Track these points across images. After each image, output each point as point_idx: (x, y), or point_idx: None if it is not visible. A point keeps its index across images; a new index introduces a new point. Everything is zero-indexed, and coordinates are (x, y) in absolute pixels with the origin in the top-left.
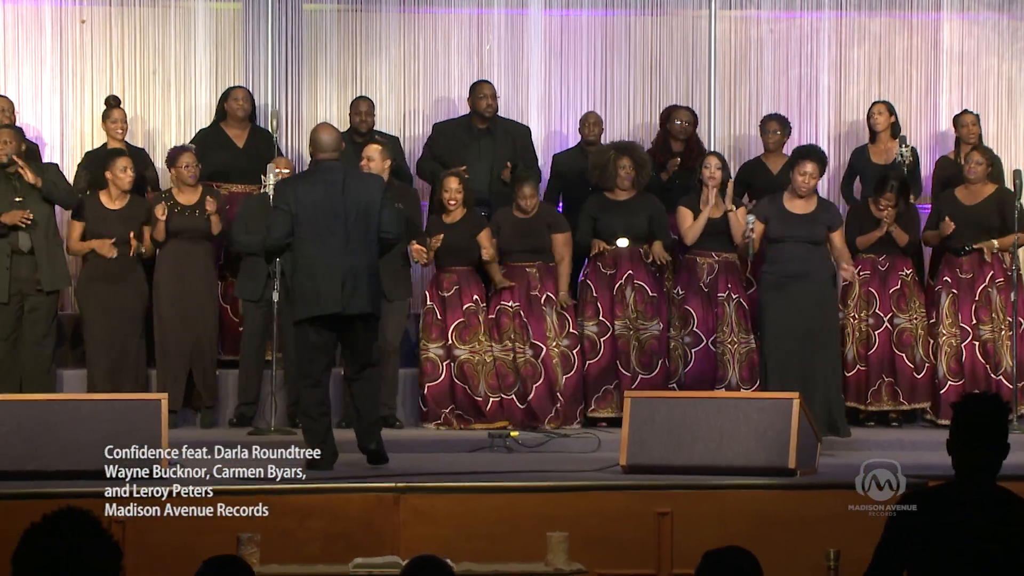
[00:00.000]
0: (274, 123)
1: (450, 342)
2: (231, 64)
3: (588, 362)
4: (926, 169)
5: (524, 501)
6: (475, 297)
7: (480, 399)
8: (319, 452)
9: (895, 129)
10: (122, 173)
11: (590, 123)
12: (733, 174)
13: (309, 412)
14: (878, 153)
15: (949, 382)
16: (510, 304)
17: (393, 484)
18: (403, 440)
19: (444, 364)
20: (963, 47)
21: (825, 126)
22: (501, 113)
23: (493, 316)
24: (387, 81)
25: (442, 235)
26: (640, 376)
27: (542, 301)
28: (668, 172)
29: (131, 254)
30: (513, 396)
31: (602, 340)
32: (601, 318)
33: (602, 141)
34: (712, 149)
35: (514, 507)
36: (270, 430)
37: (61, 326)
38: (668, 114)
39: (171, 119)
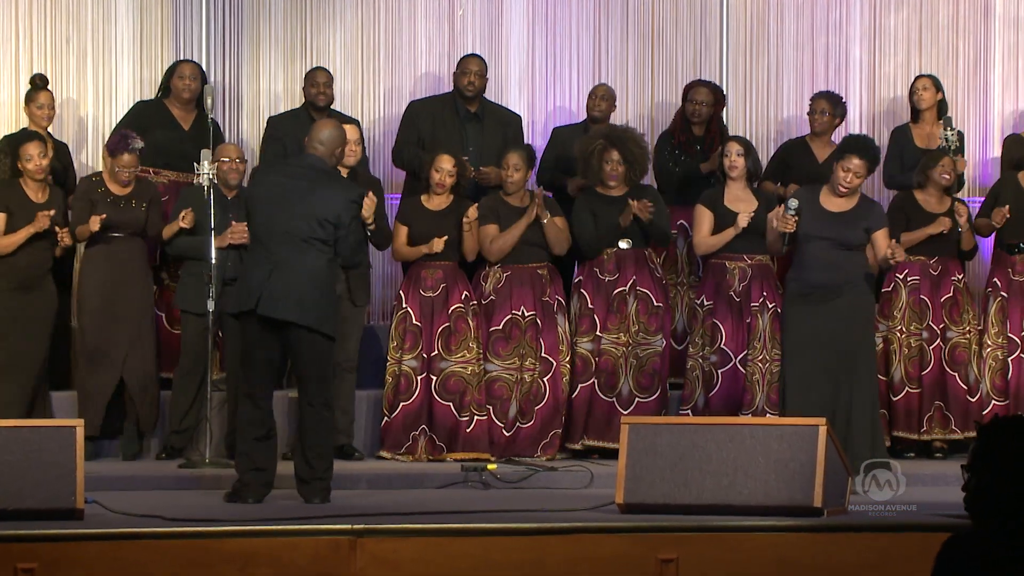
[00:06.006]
0: (209, 101)
1: (435, 351)
2: (158, 32)
3: (580, 384)
4: (980, 154)
5: (503, 546)
6: (464, 295)
7: (464, 419)
8: (247, 479)
9: (942, 108)
10: (28, 162)
11: (597, 96)
12: (764, 160)
13: (243, 432)
14: (922, 136)
15: (993, 401)
16: (521, 313)
17: (349, 526)
18: (361, 473)
19: (420, 379)
20: (1018, 13)
21: (857, 105)
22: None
23: (499, 327)
24: (343, 53)
25: (445, 238)
26: (637, 400)
27: (555, 308)
28: (711, 165)
29: (60, 244)
30: (503, 423)
31: (597, 359)
32: (599, 333)
33: (612, 119)
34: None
35: (492, 553)
36: (204, 463)
37: None
38: (686, 91)
39: (87, 96)
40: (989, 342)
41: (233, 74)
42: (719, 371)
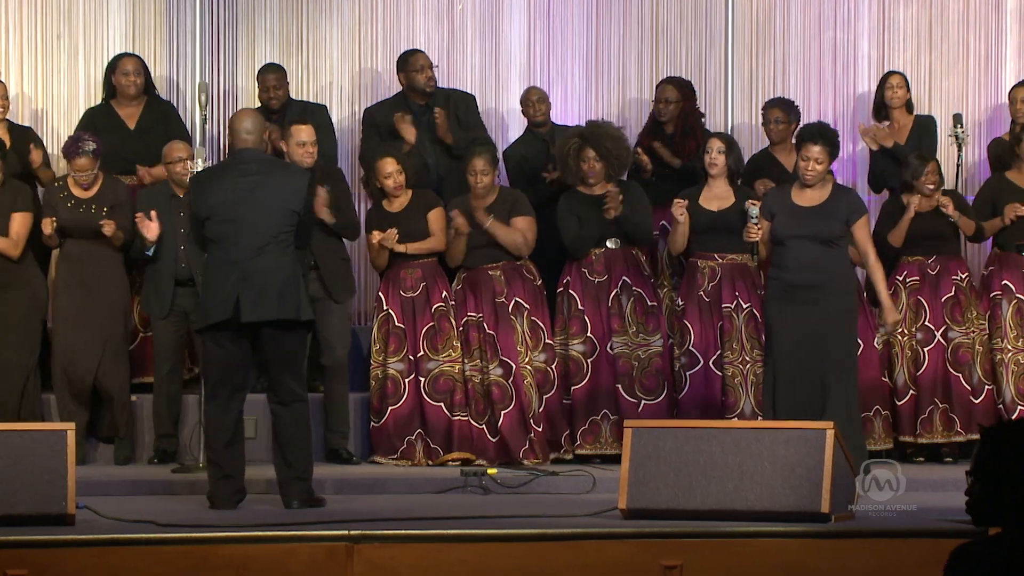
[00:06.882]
0: (202, 98)
1: (421, 352)
2: (151, 27)
3: (572, 388)
4: (977, 154)
5: (504, 552)
6: (444, 294)
7: (457, 418)
8: (218, 488)
9: (909, 106)
10: None
11: (533, 100)
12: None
13: (209, 439)
14: (893, 134)
15: (1019, 407)
16: (475, 315)
17: (346, 532)
18: (357, 478)
19: (407, 381)
20: None
21: (864, 101)
22: (477, 86)
23: (460, 328)
24: (339, 47)
25: (396, 232)
26: (644, 402)
27: (510, 309)
28: (647, 172)
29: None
30: (484, 426)
31: (589, 361)
32: (590, 334)
33: (552, 118)
34: (726, 131)
35: (492, 559)
36: (197, 468)
37: None
38: (655, 92)
39: (78, 93)
40: (1009, 347)
41: (229, 70)
42: (687, 373)
